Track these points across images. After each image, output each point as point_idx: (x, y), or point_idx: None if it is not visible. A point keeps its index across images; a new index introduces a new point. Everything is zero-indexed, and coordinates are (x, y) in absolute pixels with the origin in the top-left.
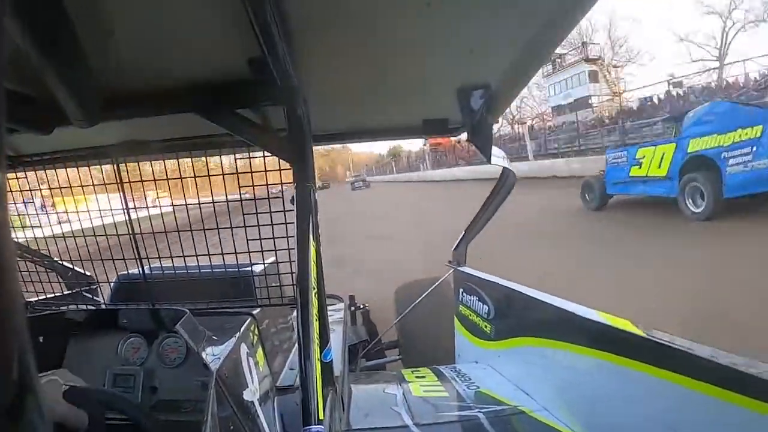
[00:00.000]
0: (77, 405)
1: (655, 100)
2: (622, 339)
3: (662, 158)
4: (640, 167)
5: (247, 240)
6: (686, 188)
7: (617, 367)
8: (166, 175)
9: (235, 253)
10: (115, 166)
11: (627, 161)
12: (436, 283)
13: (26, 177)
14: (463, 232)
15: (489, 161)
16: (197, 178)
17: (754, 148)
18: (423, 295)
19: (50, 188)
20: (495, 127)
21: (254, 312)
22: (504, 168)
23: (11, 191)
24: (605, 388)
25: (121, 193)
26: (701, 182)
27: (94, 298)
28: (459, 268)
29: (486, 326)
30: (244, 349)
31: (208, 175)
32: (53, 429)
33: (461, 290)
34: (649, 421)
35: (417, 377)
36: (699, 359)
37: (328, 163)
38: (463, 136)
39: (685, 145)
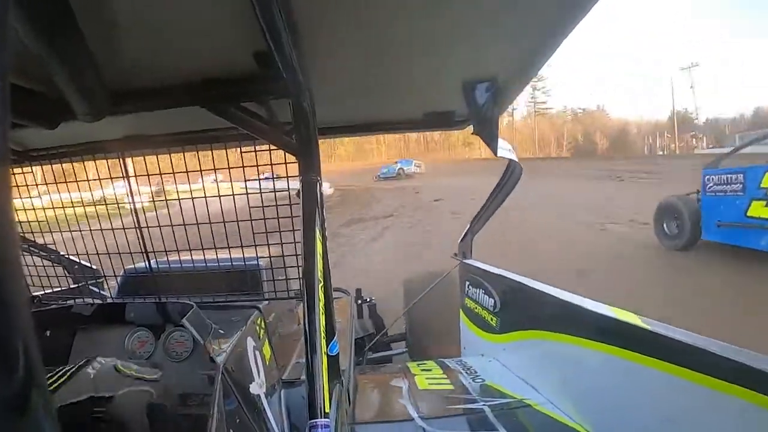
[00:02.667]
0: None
1: None
2: (628, 333)
3: None
4: None
5: (254, 233)
6: None
7: (622, 360)
8: (172, 169)
9: (242, 246)
10: (121, 160)
11: (744, 190)
12: (442, 276)
13: (32, 171)
14: (469, 225)
15: (495, 154)
16: (203, 172)
17: None
18: (428, 288)
19: (56, 182)
20: None
21: (261, 305)
22: (510, 160)
23: (17, 186)
24: (610, 381)
25: (127, 187)
26: None
27: (101, 291)
28: (465, 261)
29: (492, 319)
30: (250, 342)
31: (214, 169)
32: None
33: (467, 283)
34: (652, 414)
35: (423, 370)
36: (703, 353)
37: (580, 130)
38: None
39: None
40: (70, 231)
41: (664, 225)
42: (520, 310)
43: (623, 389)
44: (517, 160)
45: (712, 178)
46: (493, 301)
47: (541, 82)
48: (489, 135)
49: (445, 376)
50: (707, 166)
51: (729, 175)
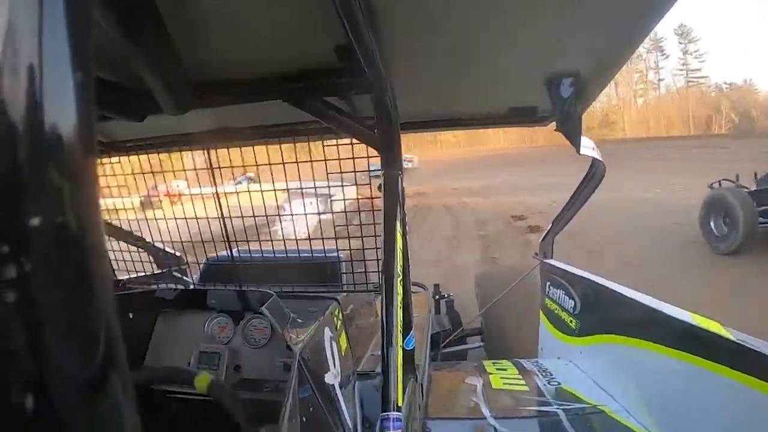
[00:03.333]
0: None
1: None
2: (711, 342)
3: None
4: None
5: (334, 226)
6: None
7: (703, 371)
8: (256, 162)
9: (322, 238)
10: (206, 152)
11: None
12: (522, 276)
13: (120, 162)
14: (551, 224)
15: (578, 152)
16: (286, 165)
17: None
18: (508, 288)
19: (143, 173)
20: None
21: (339, 297)
22: (594, 158)
23: (105, 176)
24: (688, 392)
25: (212, 179)
26: None
27: (184, 278)
28: (546, 261)
29: (571, 321)
30: (327, 332)
31: (296, 162)
32: None
33: (548, 283)
34: (733, 430)
35: (498, 369)
36: None
37: (728, 107)
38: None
39: None
40: (156, 219)
41: (711, 223)
42: (601, 313)
43: (701, 401)
44: (600, 159)
45: None
46: (573, 302)
47: (693, 44)
48: (572, 132)
49: (520, 377)
50: None
51: None
